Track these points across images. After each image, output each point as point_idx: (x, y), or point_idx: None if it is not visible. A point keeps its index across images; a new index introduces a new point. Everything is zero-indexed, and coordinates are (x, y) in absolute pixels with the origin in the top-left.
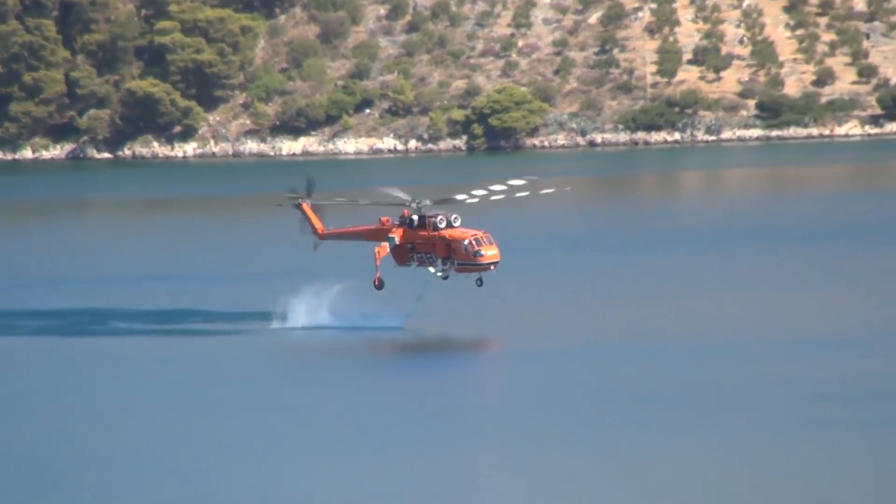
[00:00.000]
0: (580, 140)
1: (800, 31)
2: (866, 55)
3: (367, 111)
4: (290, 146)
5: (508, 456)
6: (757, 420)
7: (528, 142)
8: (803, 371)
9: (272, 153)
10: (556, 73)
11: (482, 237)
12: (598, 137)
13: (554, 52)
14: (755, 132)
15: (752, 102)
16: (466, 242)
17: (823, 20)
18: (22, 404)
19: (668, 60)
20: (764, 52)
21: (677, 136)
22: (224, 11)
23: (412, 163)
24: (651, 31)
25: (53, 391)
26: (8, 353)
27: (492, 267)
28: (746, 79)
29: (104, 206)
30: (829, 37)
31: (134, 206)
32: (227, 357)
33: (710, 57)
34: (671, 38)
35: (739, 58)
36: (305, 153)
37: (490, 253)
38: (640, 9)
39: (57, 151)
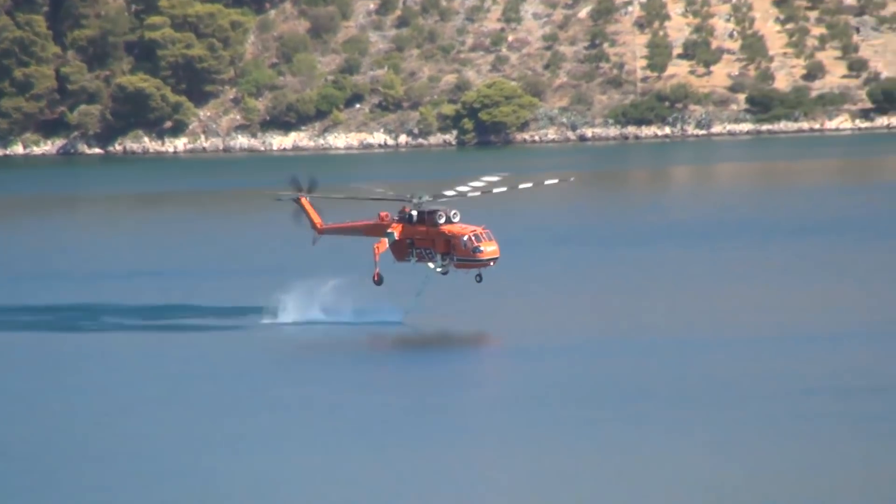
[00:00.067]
0: (570, 134)
1: (790, 25)
2: (856, 49)
3: (358, 106)
4: (280, 141)
5: (506, 451)
6: (749, 415)
7: (519, 136)
8: (794, 365)
9: (262, 148)
10: (546, 67)
11: (481, 233)
12: (589, 132)
13: (544, 47)
14: (745, 126)
15: (742, 97)
16: (466, 238)
17: (813, 14)
18: (13, 400)
19: (658, 55)
20: (754, 47)
21: (667, 130)
22: (214, 7)
23: (402, 158)
24: (641, 25)
25: (45, 387)
26: None
27: (491, 263)
28: (736, 73)
29: (95, 201)
30: (818, 31)
31: (125, 201)
32: (220, 352)
33: (700, 51)
34: (661, 33)
35: (729, 52)
36: (296, 148)
37: (489, 249)
38: (629, 3)
39: (48, 147)
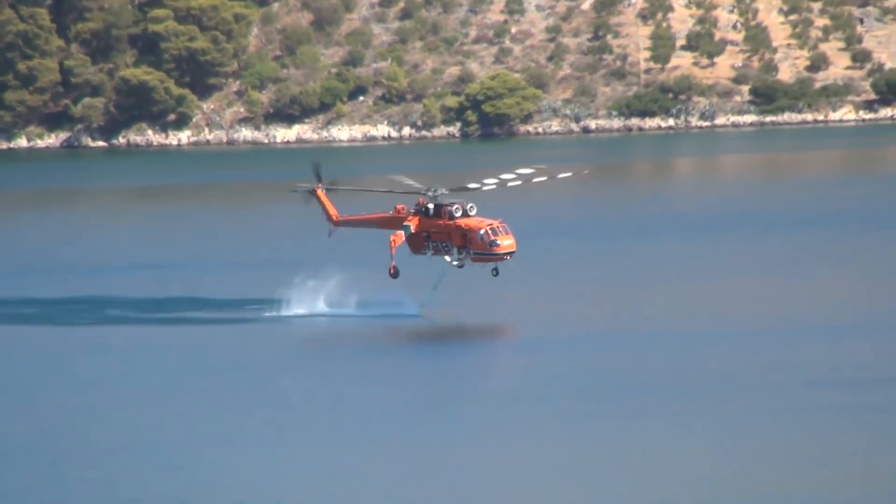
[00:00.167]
0: (574, 126)
1: (793, 17)
2: (860, 40)
3: (361, 98)
4: (283, 134)
5: (515, 442)
6: (750, 407)
7: (522, 128)
8: (796, 358)
9: (266, 141)
10: (550, 59)
11: (498, 227)
12: (592, 124)
13: (547, 39)
14: (749, 118)
15: (745, 88)
16: (482, 232)
17: (817, 5)
18: (16, 392)
19: (662, 46)
20: (757, 38)
21: (671, 122)
22: None
23: (406, 150)
24: (644, 16)
25: (49, 380)
26: (1, 341)
27: (507, 257)
28: (740, 64)
29: (99, 194)
30: (822, 22)
31: (128, 194)
32: (227, 346)
33: (704, 43)
34: (664, 24)
35: (733, 43)
36: (299, 141)
37: (506, 243)
38: None
39: (52, 140)
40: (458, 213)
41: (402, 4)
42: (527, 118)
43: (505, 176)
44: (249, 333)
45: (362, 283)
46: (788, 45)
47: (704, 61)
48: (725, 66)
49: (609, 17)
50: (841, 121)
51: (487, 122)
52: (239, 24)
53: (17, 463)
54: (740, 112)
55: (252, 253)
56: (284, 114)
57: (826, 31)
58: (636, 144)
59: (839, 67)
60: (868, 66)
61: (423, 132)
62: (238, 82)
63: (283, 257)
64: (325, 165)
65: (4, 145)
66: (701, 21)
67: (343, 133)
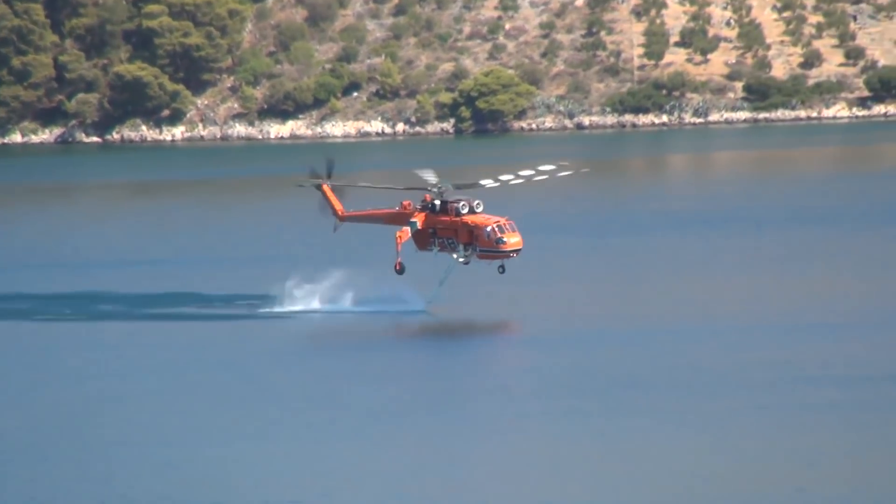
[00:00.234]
0: (567, 123)
1: (787, 13)
2: (853, 37)
3: (355, 94)
4: (278, 129)
5: (515, 440)
6: (745, 404)
7: (516, 125)
8: (789, 355)
9: (260, 137)
10: (544, 55)
11: (505, 224)
12: (586, 120)
13: (541, 35)
14: (742, 115)
15: (739, 85)
16: (489, 229)
17: (810, 2)
18: (8, 389)
19: (655, 43)
20: (751, 35)
21: (665, 118)
22: None
23: (400, 146)
24: (638, 13)
25: (40, 375)
26: None
27: (514, 254)
28: (733, 61)
29: (93, 190)
30: (815, 19)
31: (123, 189)
32: (229, 341)
33: (697, 39)
34: (658, 21)
35: (726, 40)
36: (293, 137)
37: (513, 240)
38: None
39: (46, 135)
40: (465, 210)
41: (395, 0)
42: (520, 114)
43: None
44: (251, 329)
45: (367, 279)
46: (782, 41)
47: (698, 58)
48: (719, 62)
49: (603, 14)
50: (834, 118)
51: (481, 119)
52: (233, 20)
53: (10, 460)
54: (734, 109)
55: (248, 249)
56: (278, 109)
57: (819, 28)
58: (630, 141)
59: (832, 64)
60: (861, 63)
61: (417, 128)
62: (232, 78)
63: (282, 253)
64: (320, 161)
65: None
66: (694, 18)
67: (337, 129)
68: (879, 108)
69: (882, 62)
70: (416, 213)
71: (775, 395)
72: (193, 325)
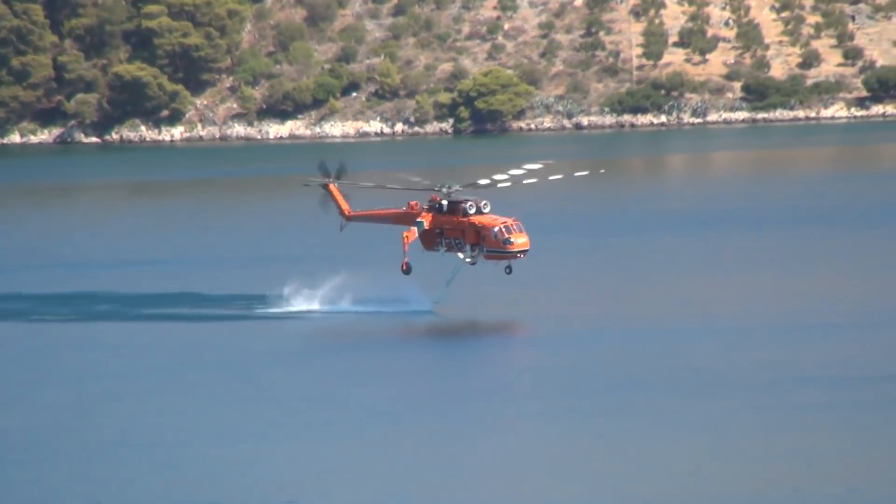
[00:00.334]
0: (566, 123)
1: (785, 14)
2: (852, 37)
3: (354, 94)
4: (277, 130)
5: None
6: (743, 404)
7: (515, 125)
8: (793, 354)
9: (259, 137)
10: (543, 55)
11: (512, 224)
12: (585, 120)
13: (540, 35)
14: (741, 115)
15: (737, 85)
16: (496, 230)
17: (809, 2)
18: (6, 389)
19: (654, 43)
20: (749, 35)
21: (663, 118)
22: None
23: (399, 146)
24: (637, 13)
25: (38, 376)
26: None
27: (521, 255)
28: (732, 61)
29: (92, 190)
30: (814, 19)
31: (121, 190)
32: (233, 342)
33: (696, 39)
34: (657, 21)
35: (725, 40)
36: (292, 137)
37: (520, 241)
38: None
39: (45, 136)
40: (472, 211)
41: (395, 1)
42: (519, 114)
43: (514, 172)
44: (252, 330)
45: (374, 279)
46: (780, 42)
47: (697, 58)
48: (717, 62)
49: (602, 14)
50: (832, 118)
51: (480, 119)
52: (232, 20)
53: (10, 460)
54: (732, 109)
55: (247, 249)
56: (277, 110)
57: (818, 28)
58: (628, 141)
59: (831, 64)
60: (860, 63)
61: (416, 128)
62: (231, 78)
63: (285, 253)
64: (331, 160)
65: None
66: (693, 18)
67: (336, 129)
68: (878, 109)
69: (880, 62)
70: (423, 214)
71: (774, 395)
72: (194, 326)
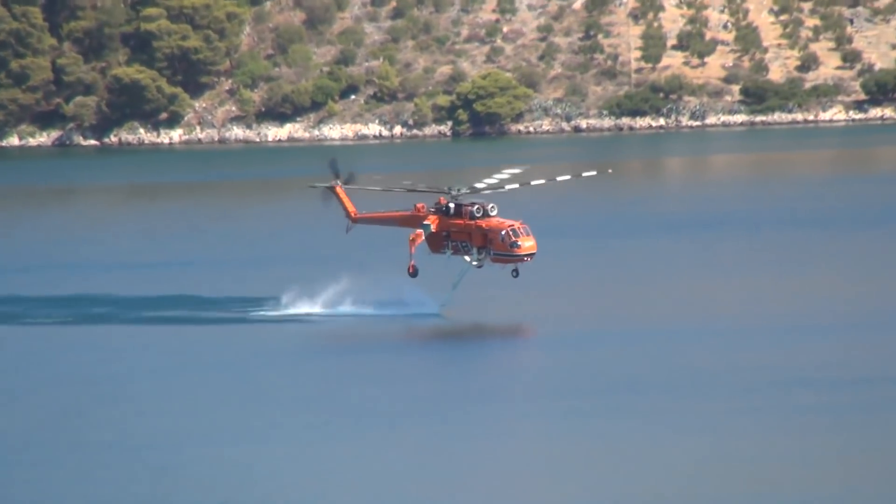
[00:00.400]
0: (565, 126)
1: (784, 17)
2: (850, 40)
3: (353, 97)
4: (275, 132)
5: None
6: (744, 406)
7: (513, 127)
8: (792, 356)
9: (258, 139)
10: (541, 58)
11: (519, 228)
12: (583, 123)
13: (538, 38)
14: (739, 118)
15: (736, 88)
16: (503, 233)
17: (807, 5)
18: (4, 392)
19: (653, 46)
20: (748, 38)
21: (662, 121)
22: None
23: (397, 149)
24: (635, 16)
25: (37, 378)
26: None
27: (527, 258)
28: (731, 64)
29: (90, 193)
30: (813, 22)
31: (120, 192)
32: (236, 344)
33: (695, 42)
34: (655, 24)
35: (724, 43)
36: (291, 139)
37: (527, 244)
38: None
39: (43, 138)
40: (479, 214)
41: (393, 3)
42: (518, 117)
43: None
44: (251, 332)
45: (381, 281)
46: (779, 45)
47: (695, 61)
48: (716, 65)
49: (600, 17)
50: (831, 121)
51: (478, 121)
52: (231, 23)
53: (10, 461)
54: (731, 112)
55: (247, 250)
56: (276, 112)
57: (816, 31)
58: (627, 144)
59: (829, 67)
60: (858, 66)
61: (415, 131)
62: (230, 81)
63: (290, 255)
64: (319, 163)
65: None
66: (692, 21)
67: (334, 132)
68: (876, 112)
69: (879, 65)
70: (430, 216)
71: (773, 396)
72: (194, 328)
